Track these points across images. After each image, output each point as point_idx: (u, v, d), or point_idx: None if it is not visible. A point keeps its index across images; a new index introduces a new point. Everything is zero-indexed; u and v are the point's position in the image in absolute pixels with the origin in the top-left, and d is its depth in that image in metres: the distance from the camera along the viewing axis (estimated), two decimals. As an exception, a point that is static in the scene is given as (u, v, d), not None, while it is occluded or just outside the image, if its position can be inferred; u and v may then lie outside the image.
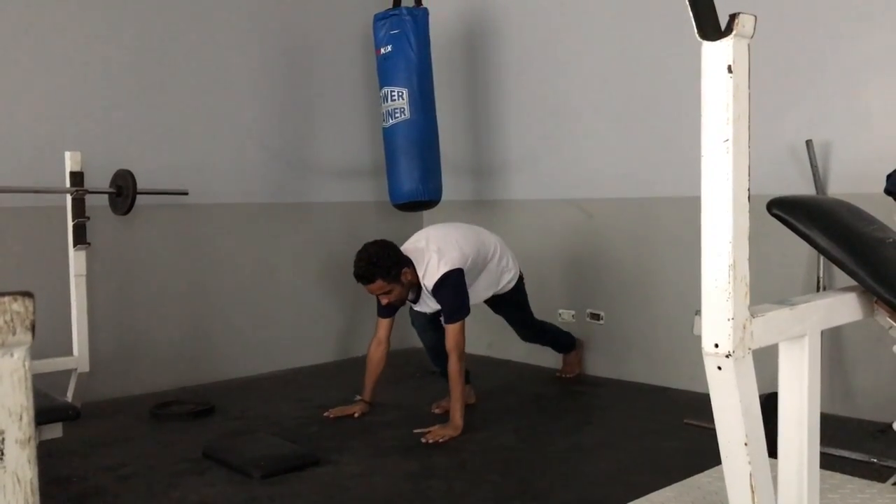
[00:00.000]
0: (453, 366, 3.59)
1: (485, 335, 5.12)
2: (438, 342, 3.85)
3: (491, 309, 4.49)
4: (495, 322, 4.67)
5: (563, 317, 4.86)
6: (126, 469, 3.20)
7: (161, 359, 4.54)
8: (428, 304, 3.82)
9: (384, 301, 3.72)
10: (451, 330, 3.64)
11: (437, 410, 3.95)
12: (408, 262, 3.68)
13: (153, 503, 2.84)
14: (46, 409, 2.74)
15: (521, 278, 4.20)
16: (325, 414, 3.87)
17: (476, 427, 3.67)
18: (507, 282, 4.10)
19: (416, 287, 3.75)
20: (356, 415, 3.85)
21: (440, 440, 3.46)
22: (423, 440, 3.46)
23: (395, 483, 3.02)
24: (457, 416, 3.56)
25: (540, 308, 4.53)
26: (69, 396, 3.75)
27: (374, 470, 3.17)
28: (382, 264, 3.58)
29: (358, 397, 3.96)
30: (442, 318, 3.73)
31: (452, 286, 3.68)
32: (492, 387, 4.52)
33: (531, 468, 3.19)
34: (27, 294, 0.80)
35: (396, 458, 3.30)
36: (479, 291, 4.01)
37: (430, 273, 3.68)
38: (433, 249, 3.72)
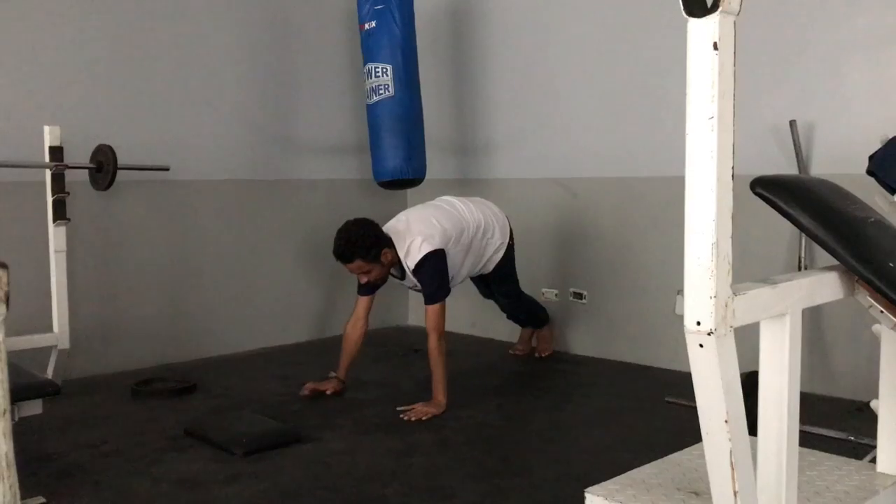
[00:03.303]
0: (433, 345, 3.59)
1: (468, 314, 5.13)
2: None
3: (478, 289, 4.51)
4: (479, 301, 4.68)
5: (547, 296, 4.87)
6: (107, 446, 3.19)
7: (142, 336, 4.51)
8: (411, 280, 3.82)
9: (363, 280, 3.72)
10: (430, 311, 3.64)
11: (517, 352, 4.64)
12: (388, 242, 3.67)
13: (134, 480, 2.83)
14: (26, 386, 2.71)
15: (510, 247, 4.20)
16: (302, 392, 3.85)
17: (459, 405, 3.69)
18: (492, 253, 4.11)
19: (399, 266, 3.75)
20: (329, 391, 3.84)
21: (423, 417, 3.46)
22: (405, 417, 3.47)
23: (377, 460, 3.02)
24: (439, 394, 3.57)
25: (523, 287, 4.53)
26: (49, 373, 3.72)
27: (357, 447, 3.18)
28: (362, 244, 3.57)
29: (332, 374, 3.94)
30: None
31: (433, 267, 3.68)
32: (475, 365, 4.53)
33: (513, 445, 3.21)
34: (1, 265, 0.78)
35: (379, 436, 3.31)
36: (463, 271, 4.02)
37: (412, 254, 3.67)
38: (415, 231, 3.72)
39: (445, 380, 3.59)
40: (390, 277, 3.87)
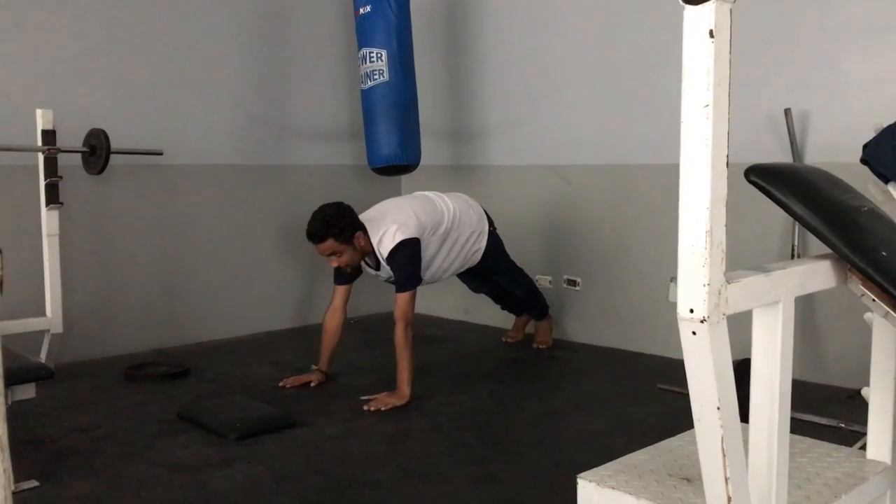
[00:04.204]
0: (399, 334, 3.53)
1: (462, 301, 5.14)
2: (493, 290, 4.51)
3: (468, 284, 4.47)
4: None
5: (541, 282, 4.87)
6: (100, 430, 3.19)
7: (135, 320, 4.51)
8: (386, 271, 3.78)
9: (333, 264, 3.68)
10: (400, 299, 3.59)
11: (510, 338, 4.66)
12: (362, 227, 3.65)
13: (128, 464, 2.84)
14: (19, 370, 2.71)
15: (492, 234, 4.17)
16: (281, 384, 3.81)
17: (452, 391, 3.70)
18: (474, 242, 4.08)
19: (373, 254, 3.71)
20: (313, 384, 3.82)
21: (383, 408, 3.43)
22: (367, 407, 3.44)
23: (370, 445, 3.03)
24: (404, 386, 3.51)
25: (517, 273, 4.53)
26: (42, 357, 3.72)
27: (351, 432, 3.19)
28: (336, 224, 3.55)
29: (314, 367, 3.93)
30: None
31: (407, 255, 3.65)
32: (468, 351, 4.54)
33: (506, 431, 3.22)
34: (-6, 250, 0.78)
35: (373, 421, 3.31)
36: (445, 264, 3.98)
37: (385, 241, 3.64)
38: (389, 219, 3.69)
39: (411, 371, 3.53)
40: (364, 270, 3.84)
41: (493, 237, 4.19)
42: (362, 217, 3.75)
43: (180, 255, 4.72)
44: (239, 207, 4.98)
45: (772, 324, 1.43)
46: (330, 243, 3.57)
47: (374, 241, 3.67)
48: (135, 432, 3.17)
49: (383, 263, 3.73)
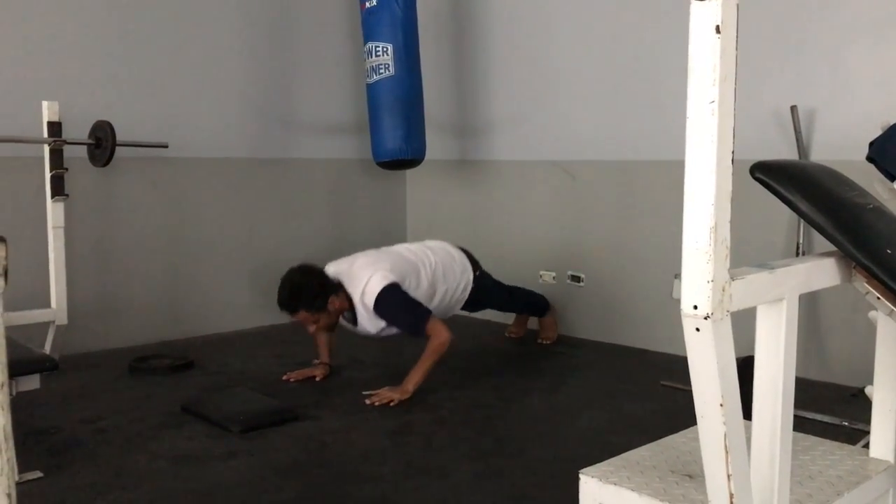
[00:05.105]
0: (434, 343, 3.48)
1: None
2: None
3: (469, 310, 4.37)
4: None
5: (545, 278, 4.87)
6: (104, 422, 3.20)
7: (140, 312, 4.52)
8: (372, 324, 3.64)
9: (311, 330, 3.56)
10: (430, 336, 3.49)
11: (512, 334, 4.61)
12: (335, 289, 3.53)
13: (131, 456, 2.84)
14: (23, 361, 2.72)
15: (479, 276, 4.08)
16: (285, 377, 3.79)
17: (455, 385, 3.70)
18: (462, 287, 4.00)
19: (351, 311, 3.61)
20: (318, 378, 3.80)
21: (385, 402, 3.41)
22: (369, 402, 3.43)
23: (373, 439, 3.04)
24: (409, 383, 3.48)
25: (521, 269, 4.54)
26: (47, 349, 3.73)
27: (353, 426, 3.19)
28: (306, 294, 3.44)
29: (316, 361, 3.92)
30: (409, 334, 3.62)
31: (397, 297, 3.53)
32: (471, 346, 4.54)
33: (509, 426, 3.23)
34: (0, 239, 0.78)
35: (375, 415, 3.32)
36: (441, 308, 3.90)
37: (368, 293, 3.52)
38: (369, 271, 3.56)
39: (424, 376, 3.49)
40: (341, 324, 3.73)
41: (479, 281, 4.09)
42: (335, 269, 3.64)
43: (185, 248, 4.73)
44: (244, 200, 4.99)
45: (776, 321, 1.43)
46: (303, 314, 3.48)
47: (356, 296, 3.54)
48: (138, 424, 3.18)
49: (362, 320, 3.60)
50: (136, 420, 3.23)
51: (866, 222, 1.56)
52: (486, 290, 4.17)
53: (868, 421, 1.83)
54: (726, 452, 1.27)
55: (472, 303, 4.15)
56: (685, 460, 1.72)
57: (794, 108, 3.67)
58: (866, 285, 1.57)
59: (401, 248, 3.91)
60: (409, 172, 5.46)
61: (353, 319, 3.66)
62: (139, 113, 4.40)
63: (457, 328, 4.79)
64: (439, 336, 3.50)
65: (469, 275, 4.04)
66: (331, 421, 3.24)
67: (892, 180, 2.61)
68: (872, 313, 1.75)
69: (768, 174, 1.52)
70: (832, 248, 1.56)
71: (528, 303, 4.59)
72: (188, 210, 4.73)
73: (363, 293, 3.53)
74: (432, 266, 3.84)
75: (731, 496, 1.29)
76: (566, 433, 3.14)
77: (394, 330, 3.66)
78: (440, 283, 3.84)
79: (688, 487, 1.58)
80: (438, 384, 3.68)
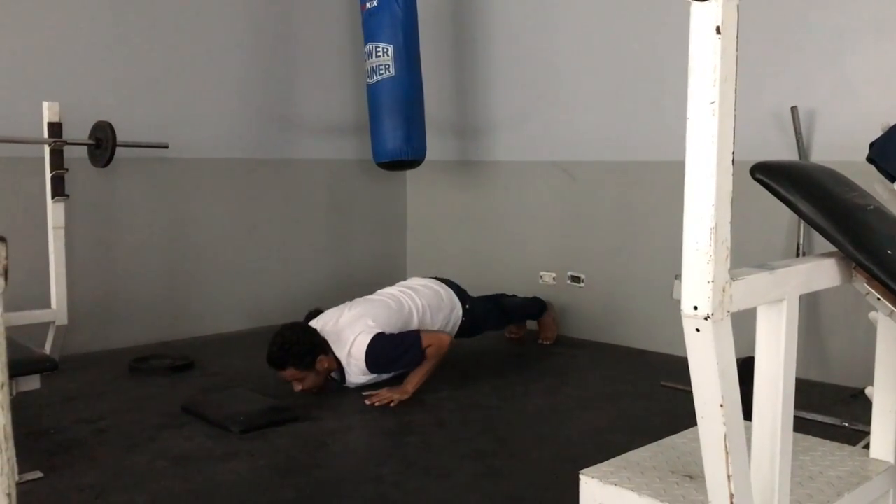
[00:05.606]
0: (433, 350, 3.50)
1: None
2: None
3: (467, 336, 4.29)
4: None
5: (545, 279, 4.87)
6: (104, 422, 3.20)
7: (140, 313, 4.52)
8: (365, 378, 3.60)
9: (297, 388, 3.53)
10: (430, 346, 3.51)
11: (512, 335, 4.58)
12: (324, 349, 3.51)
13: (131, 456, 2.84)
14: (24, 361, 2.72)
15: (468, 311, 4.04)
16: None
17: (455, 386, 3.70)
18: (453, 323, 3.98)
19: (339, 369, 3.60)
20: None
21: (386, 402, 3.42)
22: (369, 402, 3.43)
23: (373, 439, 3.04)
24: (409, 385, 3.50)
25: (521, 270, 4.54)
26: (47, 349, 3.73)
27: (353, 426, 3.19)
28: (296, 352, 3.43)
29: None
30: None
31: (386, 351, 3.51)
32: (471, 346, 4.54)
33: (509, 427, 3.22)
34: (0, 239, 0.78)
35: (375, 416, 3.32)
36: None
37: (355, 354, 3.50)
38: (351, 334, 3.53)
39: (423, 379, 3.52)
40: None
41: (469, 314, 4.05)
42: (321, 326, 3.62)
43: (185, 249, 4.73)
44: (244, 201, 4.99)
45: (776, 322, 1.43)
46: (291, 371, 3.46)
47: (342, 359, 3.54)
48: (139, 424, 3.18)
49: (351, 377, 3.59)
50: (136, 420, 3.23)
51: (867, 223, 1.57)
52: (478, 319, 4.14)
53: (868, 422, 1.83)
54: (726, 453, 1.27)
55: (467, 332, 4.11)
56: (685, 461, 1.72)
57: (794, 109, 3.67)
58: (866, 286, 1.57)
59: (385, 297, 3.87)
60: (410, 173, 5.46)
61: (342, 379, 3.65)
62: (139, 113, 4.40)
63: (457, 329, 4.80)
64: (437, 342, 3.54)
65: (458, 311, 4.01)
66: (330, 422, 3.24)
67: (893, 181, 2.61)
68: (872, 314, 1.75)
69: (769, 175, 1.53)
70: (832, 248, 1.56)
71: (523, 313, 4.59)
72: (188, 210, 4.73)
73: (349, 354, 3.53)
74: (420, 310, 3.82)
75: (732, 497, 1.29)
76: (566, 433, 3.14)
77: (389, 374, 3.65)
78: (428, 327, 3.81)
79: (688, 488, 1.58)
80: (438, 384, 3.68)
